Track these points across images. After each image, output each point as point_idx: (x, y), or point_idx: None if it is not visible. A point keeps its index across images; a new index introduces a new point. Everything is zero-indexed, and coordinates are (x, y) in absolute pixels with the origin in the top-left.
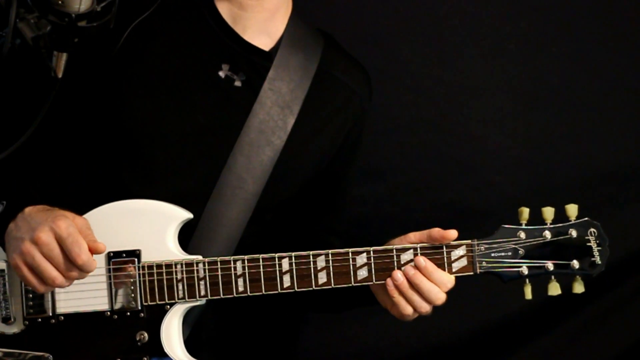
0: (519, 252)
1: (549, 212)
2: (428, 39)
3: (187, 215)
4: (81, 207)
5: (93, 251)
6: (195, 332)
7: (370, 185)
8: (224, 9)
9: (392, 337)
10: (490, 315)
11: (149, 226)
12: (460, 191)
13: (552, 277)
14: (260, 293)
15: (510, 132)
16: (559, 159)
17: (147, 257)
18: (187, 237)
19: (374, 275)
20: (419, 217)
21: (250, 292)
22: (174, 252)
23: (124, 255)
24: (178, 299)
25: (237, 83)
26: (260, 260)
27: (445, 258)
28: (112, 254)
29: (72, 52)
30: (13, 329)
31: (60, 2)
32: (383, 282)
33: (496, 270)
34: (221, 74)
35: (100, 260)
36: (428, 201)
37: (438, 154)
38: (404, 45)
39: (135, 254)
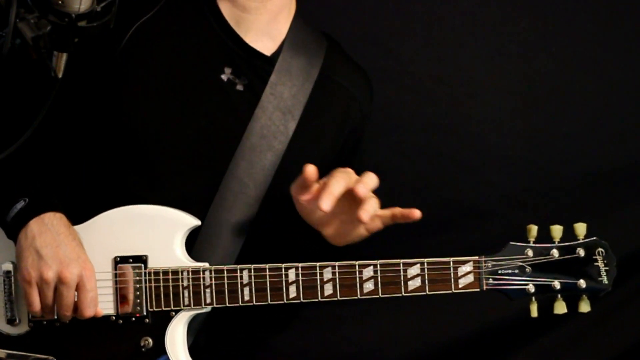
0: (526, 269)
1: (557, 231)
2: (428, 39)
3: (194, 222)
4: (82, 209)
5: None
6: (198, 338)
7: None
8: (226, 11)
9: (392, 337)
10: (490, 315)
11: (156, 232)
12: (460, 191)
13: (559, 295)
14: (266, 303)
15: (510, 132)
16: (559, 159)
17: (154, 263)
18: (190, 241)
19: (380, 289)
20: None
21: (255, 302)
22: (181, 258)
23: (131, 260)
24: (183, 306)
25: (239, 87)
26: (267, 270)
27: (452, 274)
28: (118, 259)
29: (72, 52)
30: (18, 331)
31: (60, 2)
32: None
33: (502, 287)
34: (223, 77)
35: (106, 265)
36: (428, 201)
37: (438, 154)
38: (404, 45)
39: (142, 259)
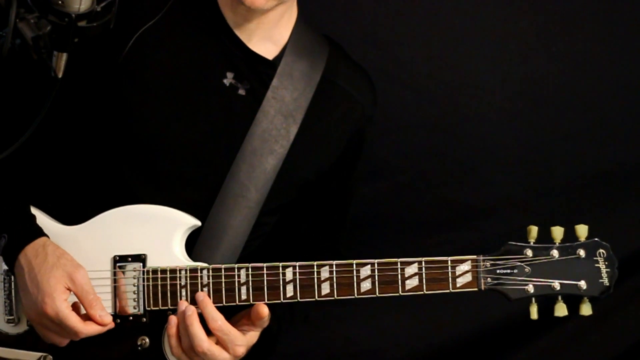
0: (525, 269)
1: (557, 232)
2: (428, 39)
3: (194, 222)
4: (84, 212)
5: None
6: None
7: (370, 185)
8: (229, 17)
9: (392, 337)
10: (490, 315)
11: (156, 231)
12: (460, 191)
13: (559, 297)
14: (263, 302)
15: (510, 132)
16: (559, 158)
17: (152, 262)
18: (190, 244)
19: (377, 288)
20: (419, 217)
21: (252, 301)
22: (179, 258)
23: (130, 259)
24: None
25: (241, 91)
26: (264, 269)
27: (450, 273)
28: (117, 258)
29: (72, 52)
30: (17, 330)
31: (60, 2)
32: None
33: (501, 287)
34: (226, 82)
35: (105, 264)
36: (428, 201)
37: (438, 154)
38: (404, 45)
39: (140, 258)
